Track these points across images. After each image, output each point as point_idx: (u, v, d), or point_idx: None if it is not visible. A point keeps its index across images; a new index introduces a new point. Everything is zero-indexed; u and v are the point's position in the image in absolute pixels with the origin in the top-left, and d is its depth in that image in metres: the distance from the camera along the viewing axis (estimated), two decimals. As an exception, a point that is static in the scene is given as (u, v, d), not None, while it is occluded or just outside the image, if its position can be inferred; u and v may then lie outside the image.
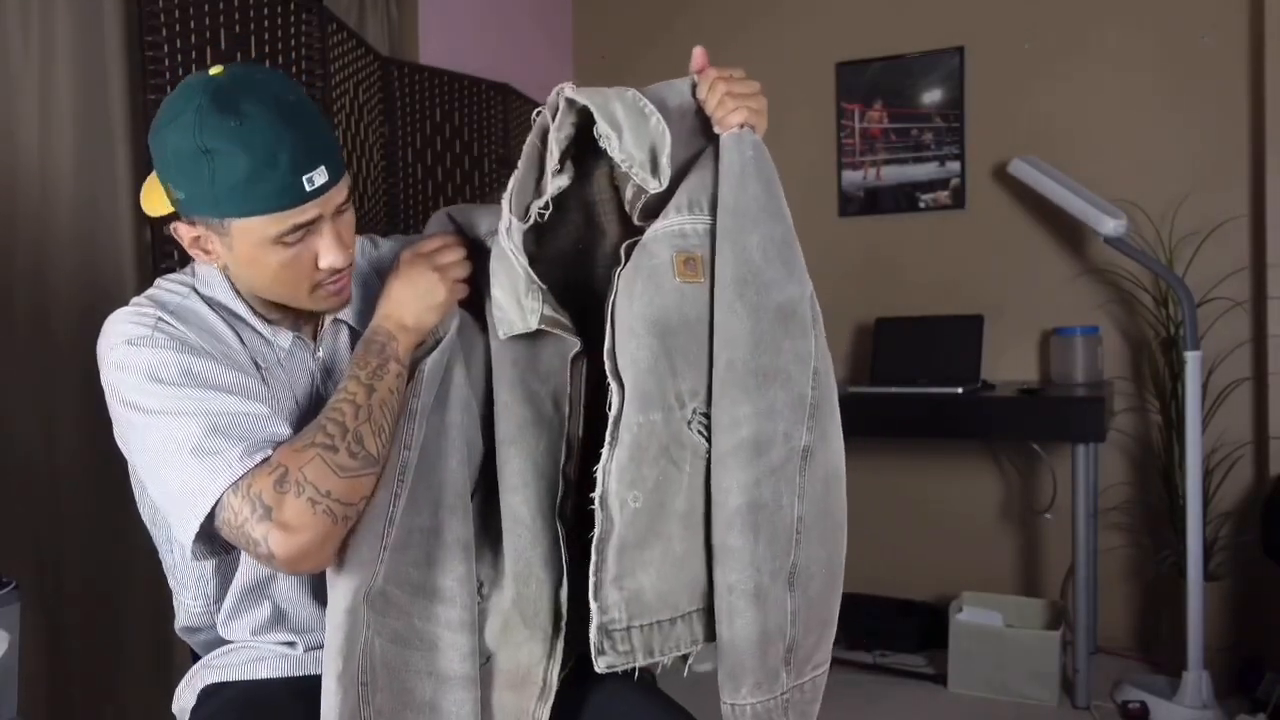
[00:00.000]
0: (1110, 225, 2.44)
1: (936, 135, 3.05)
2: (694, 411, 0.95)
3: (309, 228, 0.94)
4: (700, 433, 0.95)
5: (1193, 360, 2.32)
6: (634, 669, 0.97)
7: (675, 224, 0.95)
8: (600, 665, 0.94)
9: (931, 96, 3.05)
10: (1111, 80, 2.82)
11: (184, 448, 0.89)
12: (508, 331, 1.00)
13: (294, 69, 2.07)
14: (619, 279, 0.95)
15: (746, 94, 0.97)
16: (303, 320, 1.07)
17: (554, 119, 0.95)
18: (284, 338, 1.05)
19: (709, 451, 0.95)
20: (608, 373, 0.93)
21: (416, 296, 1.01)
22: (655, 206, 0.97)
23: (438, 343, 1.01)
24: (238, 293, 1.03)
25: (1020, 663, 2.48)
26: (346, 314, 1.09)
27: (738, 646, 0.95)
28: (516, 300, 0.98)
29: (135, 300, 1.01)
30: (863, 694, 2.58)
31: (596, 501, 0.93)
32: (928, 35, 3.04)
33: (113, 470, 1.78)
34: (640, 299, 0.93)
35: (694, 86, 0.99)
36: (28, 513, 1.67)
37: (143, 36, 1.71)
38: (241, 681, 1.07)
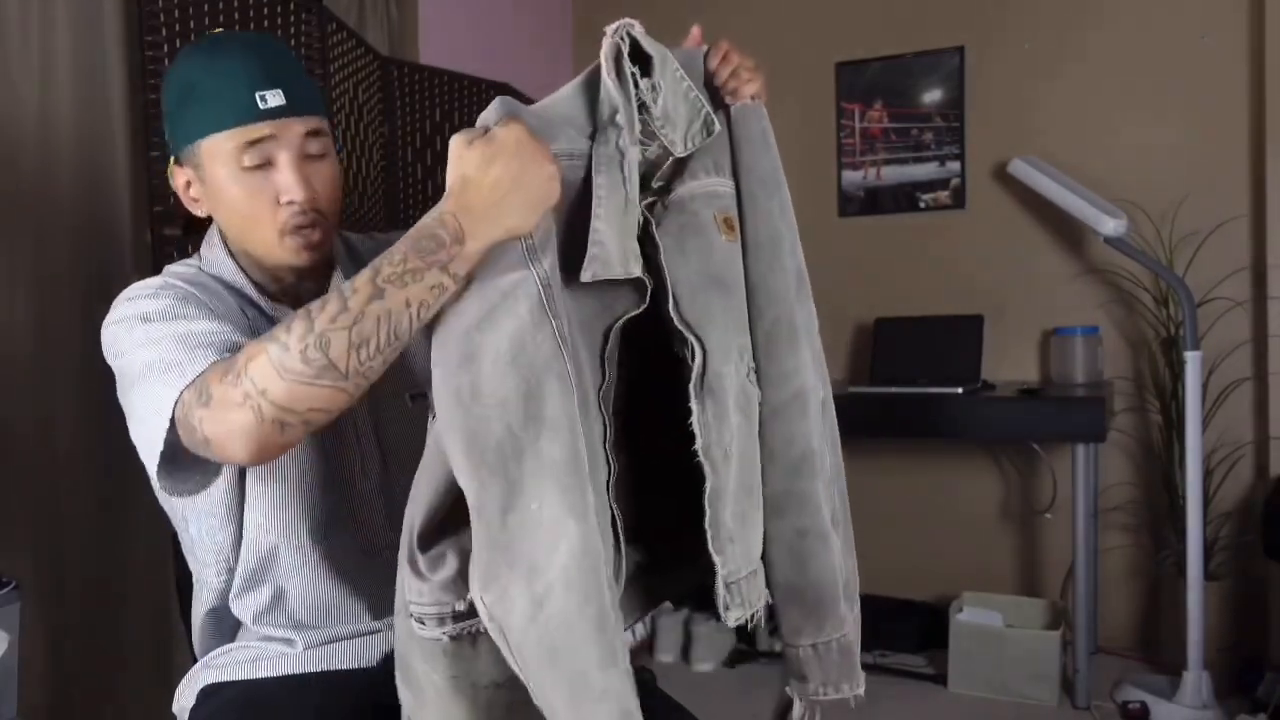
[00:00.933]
0: (1110, 225, 2.44)
1: (936, 135, 3.05)
2: (749, 366, 0.98)
3: (263, 150, 0.97)
4: (756, 385, 0.99)
5: (1193, 360, 2.32)
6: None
7: (709, 184, 0.97)
8: (731, 620, 0.95)
9: (931, 96, 3.05)
10: (1111, 80, 2.82)
11: (154, 368, 0.90)
12: (600, 274, 0.84)
13: (294, 69, 2.07)
14: (661, 235, 0.93)
15: (754, 68, 1.03)
16: (305, 299, 1.07)
17: (625, 50, 0.89)
18: (282, 308, 1.06)
19: (761, 404, 0.99)
20: (681, 327, 0.91)
21: (521, 182, 0.79)
22: (669, 170, 0.98)
23: (529, 254, 0.82)
24: (241, 268, 1.06)
25: (1020, 663, 2.48)
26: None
27: (819, 587, 1.02)
28: (621, 238, 0.86)
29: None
30: (863, 694, 2.57)
31: (701, 455, 0.91)
32: (928, 35, 3.04)
33: (113, 470, 1.78)
34: (696, 255, 0.94)
35: (704, 58, 1.04)
36: (28, 513, 1.67)
37: (143, 36, 1.71)
38: (241, 681, 1.06)
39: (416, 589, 0.81)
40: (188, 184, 1.03)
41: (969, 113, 3.00)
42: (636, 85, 0.88)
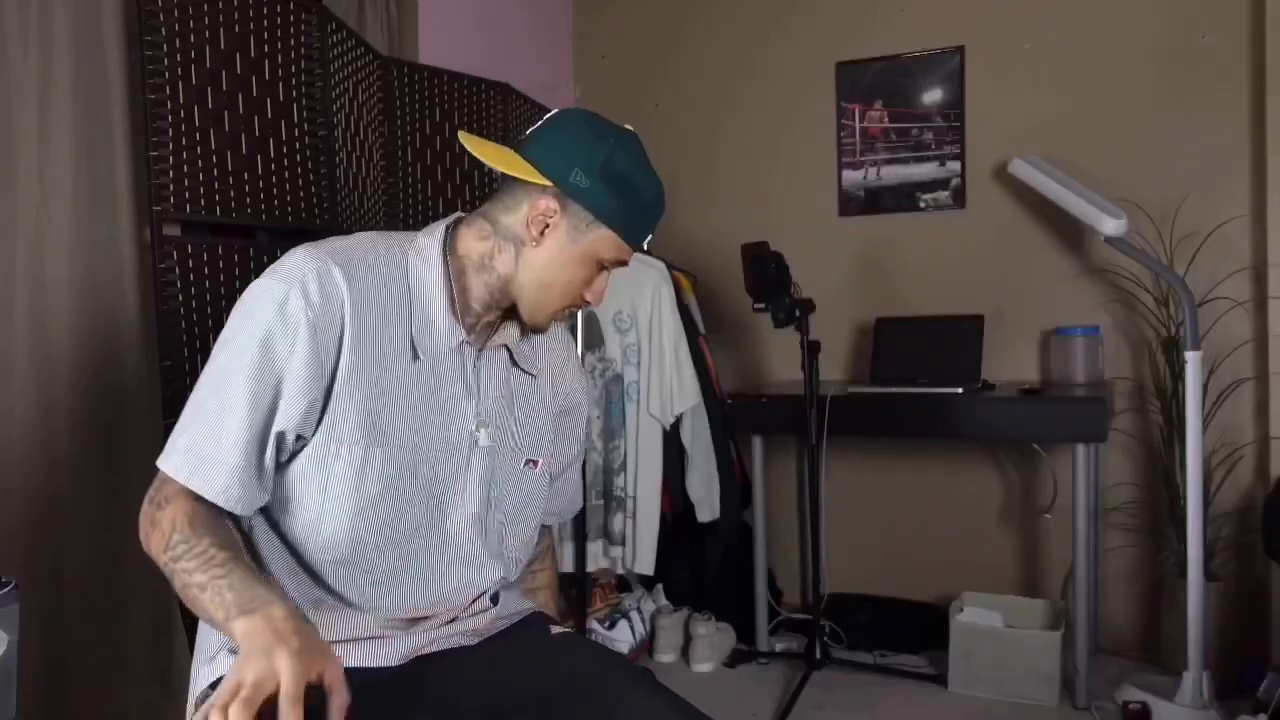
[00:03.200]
0: (1110, 225, 2.44)
1: (936, 135, 3.05)
2: None
3: (611, 266, 1.11)
4: None
5: (1193, 360, 2.32)
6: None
7: None
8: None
9: (931, 96, 3.05)
10: (1111, 80, 2.82)
11: (192, 424, 1.01)
12: None
13: (294, 69, 2.07)
14: None
15: None
16: (480, 334, 1.14)
17: None
18: (455, 336, 1.09)
19: None
20: None
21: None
22: None
23: None
24: (447, 278, 1.09)
25: (1020, 663, 2.48)
26: (511, 341, 1.17)
27: None
28: None
29: (333, 241, 1.08)
30: (863, 694, 2.58)
31: None
32: (928, 35, 3.04)
33: (113, 470, 1.78)
34: None
35: None
36: (27, 512, 1.67)
37: (142, 36, 1.71)
38: None
39: None
40: (546, 215, 1.08)
41: (969, 113, 3.00)
42: None
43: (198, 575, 0.94)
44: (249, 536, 1.10)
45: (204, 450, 0.99)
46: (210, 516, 0.99)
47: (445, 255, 1.09)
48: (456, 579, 1.14)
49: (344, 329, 1.01)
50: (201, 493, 0.99)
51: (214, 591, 0.92)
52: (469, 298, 1.10)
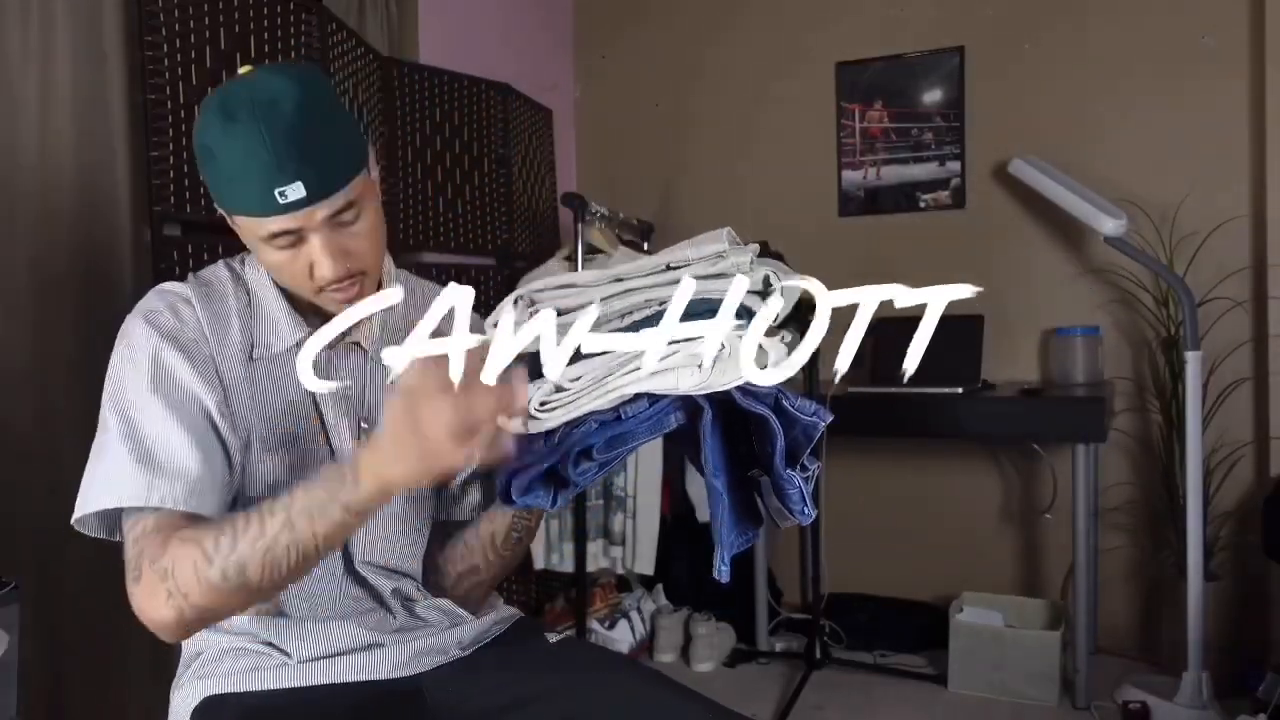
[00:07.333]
0: (1110, 225, 2.44)
1: (936, 135, 3.05)
2: None
3: (292, 235, 0.96)
4: None
5: (1193, 360, 2.32)
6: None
7: None
8: None
9: (931, 96, 3.05)
10: (1111, 80, 2.82)
11: (116, 467, 0.94)
12: None
13: (294, 69, 2.07)
14: None
15: None
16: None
17: None
18: (297, 333, 1.06)
19: None
20: None
21: (422, 452, 0.82)
22: None
23: None
24: (281, 291, 1.07)
25: (1020, 663, 2.48)
26: (366, 340, 1.10)
27: None
28: None
29: (189, 277, 1.09)
30: (863, 694, 2.58)
31: None
32: (928, 35, 3.04)
33: (112, 470, 1.78)
34: None
35: None
36: (28, 513, 1.67)
37: (142, 36, 1.71)
38: (242, 693, 1.04)
39: None
40: (232, 223, 1.02)
41: (969, 113, 3.00)
42: None
43: (270, 528, 0.87)
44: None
45: (157, 459, 0.94)
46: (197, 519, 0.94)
47: None
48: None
49: (209, 340, 1.02)
50: (168, 505, 0.92)
51: (307, 514, 0.87)
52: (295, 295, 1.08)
